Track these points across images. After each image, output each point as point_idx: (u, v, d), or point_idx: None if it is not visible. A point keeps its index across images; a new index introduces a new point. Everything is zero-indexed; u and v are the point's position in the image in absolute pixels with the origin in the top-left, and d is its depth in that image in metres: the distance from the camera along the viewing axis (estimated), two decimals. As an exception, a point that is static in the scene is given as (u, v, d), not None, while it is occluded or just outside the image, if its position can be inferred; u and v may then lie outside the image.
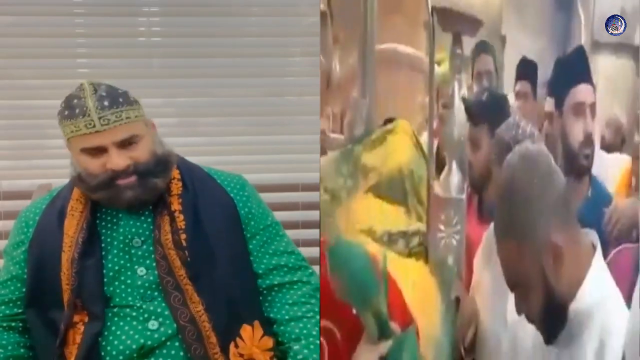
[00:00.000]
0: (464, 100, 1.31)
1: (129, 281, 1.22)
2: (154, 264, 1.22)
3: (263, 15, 1.97)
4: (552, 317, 0.97)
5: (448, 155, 1.30)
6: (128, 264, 1.23)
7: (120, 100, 1.22)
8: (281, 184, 1.93)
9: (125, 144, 1.21)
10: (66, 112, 1.21)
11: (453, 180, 1.28)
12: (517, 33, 1.46)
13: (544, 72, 1.43)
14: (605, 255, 1.01)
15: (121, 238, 1.25)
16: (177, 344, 1.18)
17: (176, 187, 1.29)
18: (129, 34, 1.93)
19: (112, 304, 1.20)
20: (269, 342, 1.23)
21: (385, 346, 1.06)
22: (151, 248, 1.23)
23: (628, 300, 0.99)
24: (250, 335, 1.21)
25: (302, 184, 1.94)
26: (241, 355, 1.19)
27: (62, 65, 1.90)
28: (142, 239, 1.25)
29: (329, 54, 1.38)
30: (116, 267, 1.23)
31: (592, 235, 1.01)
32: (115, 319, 1.19)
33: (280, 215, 1.43)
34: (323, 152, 1.33)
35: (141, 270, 1.22)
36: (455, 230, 1.27)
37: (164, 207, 1.26)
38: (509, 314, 1.10)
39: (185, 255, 1.21)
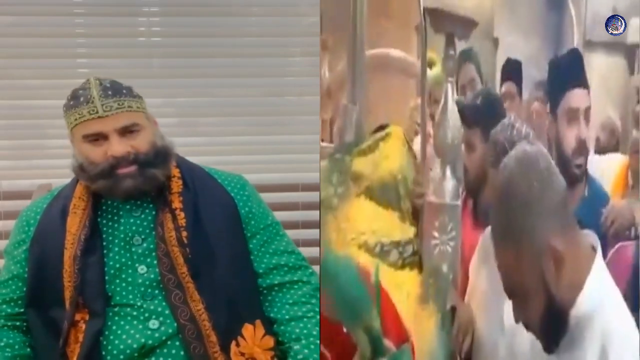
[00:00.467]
0: (457, 103, 1.30)
1: (129, 279, 1.22)
2: (155, 262, 1.22)
3: (263, 15, 1.97)
4: (553, 324, 0.94)
5: (442, 160, 1.28)
6: (129, 262, 1.23)
7: (124, 91, 1.27)
8: (281, 184, 1.93)
9: (126, 131, 1.24)
10: (71, 102, 1.25)
11: (447, 186, 1.27)
12: (509, 34, 1.46)
13: (537, 73, 1.42)
14: (604, 256, 0.99)
15: (122, 236, 1.26)
16: (177, 343, 1.18)
17: (176, 185, 1.29)
18: (129, 34, 1.93)
19: (112, 303, 1.20)
20: (270, 341, 1.23)
21: None
22: (152, 246, 1.24)
23: (628, 300, 0.97)
24: (252, 334, 1.21)
25: (302, 184, 1.94)
26: (242, 354, 1.19)
27: (62, 65, 1.90)
28: (143, 237, 1.25)
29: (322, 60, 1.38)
30: (117, 265, 1.23)
31: (591, 237, 0.99)
32: (116, 318, 1.19)
33: (280, 215, 1.43)
34: (323, 156, 1.33)
35: (142, 269, 1.23)
36: (450, 237, 1.25)
37: (165, 205, 1.26)
38: (505, 318, 1.08)
39: (187, 252, 1.22)
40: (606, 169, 1.45)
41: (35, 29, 1.89)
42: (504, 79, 1.48)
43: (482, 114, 1.35)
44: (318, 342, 1.21)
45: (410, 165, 1.33)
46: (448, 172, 1.27)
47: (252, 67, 1.94)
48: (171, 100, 1.93)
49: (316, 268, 1.29)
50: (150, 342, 1.17)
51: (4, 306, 1.26)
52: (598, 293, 0.94)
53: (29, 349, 1.25)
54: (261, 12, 1.97)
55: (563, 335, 0.94)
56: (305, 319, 1.26)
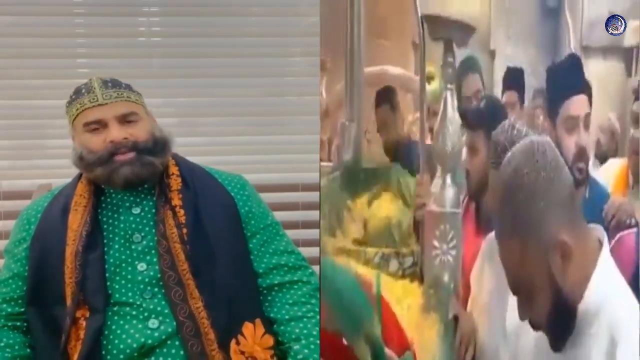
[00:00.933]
0: (459, 107, 1.30)
1: (129, 276, 1.22)
2: (155, 260, 1.23)
3: (263, 15, 1.97)
4: (560, 320, 0.92)
5: (442, 168, 1.28)
6: (129, 260, 1.24)
7: (123, 85, 1.33)
8: (281, 184, 1.93)
9: (125, 120, 1.27)
10: (73, 97, 1.31)
11: (448, 194, 1.26)
12: (506, 43, 1.45)
13: (535, 82, 1.42)
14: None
15: (122, 234, 1.26)
16: (177, 342, 1.18)
17: (176, 182, 1.30)
18: (129, 34, 1.93)
19: (112, 301, 1.21)
20: (270, 340, 1.23)
21: None
22: (151, 244, 1.24)
23: (634, 288, 0.95)
24: (252, 333, 1.21)
25: (302, 184, 1.94)
26: (242, 353, 1.19)
27: (62, 65, 1.90)
28: (143, 234, 1.26)
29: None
30: (117, 263, 1.23)
31: (598, 231, 0.97)
32: (116, 317, 1.19)
33: (280, 215, 1.43)
34: (322, 175, 1.34)
35: (141, 266, 1.23)
36: (451, 246, 1.24)
37: (165, 202, 1.27)
38: (508, 324, 1.07)
39: (187, 249, 1.22)
40: (607, 173, 1.45)
41: (35, 29, 1.89)
42: (505, 87, 1.48)
43: (485, 117, 1.34)
44: (318, 342, 1.21)
45: (405, 213, 1.33)
46: (448, 179, 1.27)
47: (252, 67, 1.94)
48: (171, 100, 1.93)
49: (316, 268, 1.30)
50: (149, 341, 1.17)
51: (4, 305, 1.26)
52: (605, 286, 0.92)
53: (28, 350, 1.25)
54: (261, 12, 1.97)
55: (571, 331, 0.92)
56: (305, 319, 1.26)
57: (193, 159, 1.41)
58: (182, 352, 1.17)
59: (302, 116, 1.95)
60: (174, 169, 1.32)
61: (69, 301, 1.19)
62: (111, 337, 1.18)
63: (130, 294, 1.21)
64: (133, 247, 1.25)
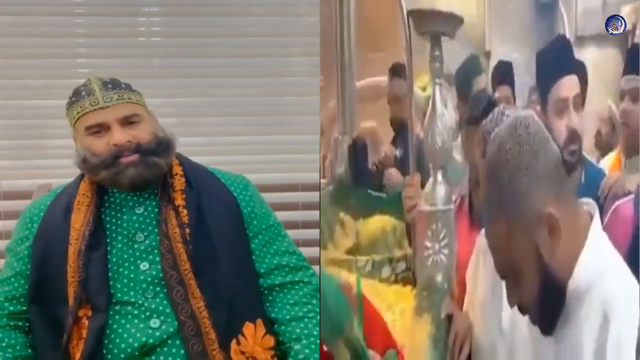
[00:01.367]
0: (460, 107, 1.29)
1: (131, 276, 1.22)
2: (157, 259, 1.23)
3: (263, 15, 1.97)
4: (549, 300, 0.88)
5: (432, 166, 1.27)
6: (131, 259, 1.24)
7: (123, 86, 1.31)
8: (281, 184, 1.93)
9: (127, 122, 1.26)
10: (73, 99, 1.30)
11: (439, 192, 1.25)
12: (501, 43, 1.46)
13: (530, 79, 1.42)
14: (602, 222, 0.94)
15: (125, 233, 1.26)
16: (178, 342, 1.18)
17: (179, 182, 1.30)
18: (129, 34, 1.93)
19: (114, 300, 1.21)
20: (271, 340, 1.23)
21: None
22: (154, 243, 1.24)
23: (630, 262, 0.91)
24: (253, 333, 1.21)
25: (302, 184, 1.94)
26: (243, 353, 1.19)
27: (62, 65, 1.90)
28: (145, 234, 1.26)
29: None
30: (119, 262, 1.23)
31: (590, 205, 0.94)
32: (117, 317, 1.19)
33: (280, 215, 1.43)
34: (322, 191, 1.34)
35: (144, 265, 1.23)
36: (443, 245, 1.22)
37: (168, 202, 1.27)
38: (503, 318, 1.05)
39: (190, 249, 1.22)
40: (606, 163, 1.44)
41: (35, 29, 1.89)
42: (497, 83, 1.47)
43: (480, 110, 1.34)
44: (318, 342, 1.21)
45: (400, 219, 1.34)
46: (439, 176, 1.25)
47: (252, 67, 1.94)
48: (171, 100, 1.93)
49: (316, 268, 1.30)
50: (151, 340, 1.17)
51: (6, 304, 1.26)
52: (597, 261, 0.88)
53: (30, 350, 1.25)
54: (261, 12, 1.97)
55: (560, 311, 0.89)
56: (305, 319, 1.26)
57: (193, 159, 1.41)
58: (183, 352, 1.17)
59: (302, 116, 1.95)
60: (177, 169, 1.32)
61: (71, 300, 1.19)
62: (113, 336, 1.18)
63: (132, 293, 1.21)
64: (136, 246, 1.25)
